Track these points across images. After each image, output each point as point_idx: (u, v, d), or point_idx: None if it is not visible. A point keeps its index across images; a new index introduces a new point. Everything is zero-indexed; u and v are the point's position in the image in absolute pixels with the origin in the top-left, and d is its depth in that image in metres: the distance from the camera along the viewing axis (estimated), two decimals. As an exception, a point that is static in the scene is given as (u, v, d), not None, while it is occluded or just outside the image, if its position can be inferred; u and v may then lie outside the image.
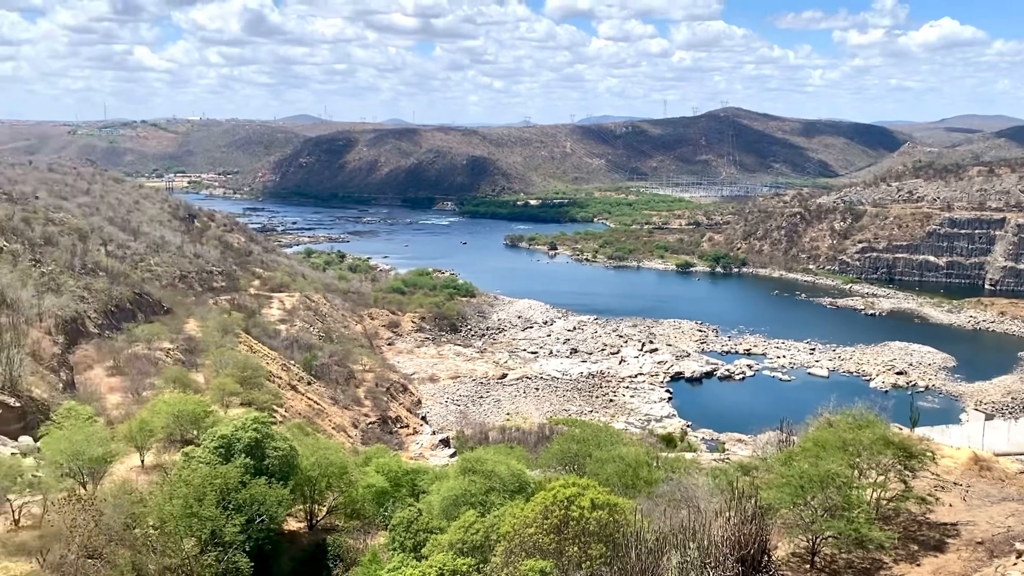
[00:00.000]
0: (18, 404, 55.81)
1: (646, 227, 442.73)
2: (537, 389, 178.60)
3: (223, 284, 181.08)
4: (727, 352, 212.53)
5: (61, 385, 73.29)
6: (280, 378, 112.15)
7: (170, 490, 35.56)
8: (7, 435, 52.28)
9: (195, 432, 50.04)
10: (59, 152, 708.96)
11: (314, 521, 43.61)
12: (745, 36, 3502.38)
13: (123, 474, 45.82)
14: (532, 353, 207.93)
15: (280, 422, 70.64)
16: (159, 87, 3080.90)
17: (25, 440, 52.17)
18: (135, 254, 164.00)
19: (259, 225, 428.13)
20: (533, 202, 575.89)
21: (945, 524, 29.22)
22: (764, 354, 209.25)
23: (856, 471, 30.06)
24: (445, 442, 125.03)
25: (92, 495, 38.51)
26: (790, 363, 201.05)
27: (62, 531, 33.45)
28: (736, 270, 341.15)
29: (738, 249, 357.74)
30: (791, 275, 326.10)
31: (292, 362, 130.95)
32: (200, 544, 33.44)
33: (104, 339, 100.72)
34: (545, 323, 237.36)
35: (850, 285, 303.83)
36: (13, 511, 38.67)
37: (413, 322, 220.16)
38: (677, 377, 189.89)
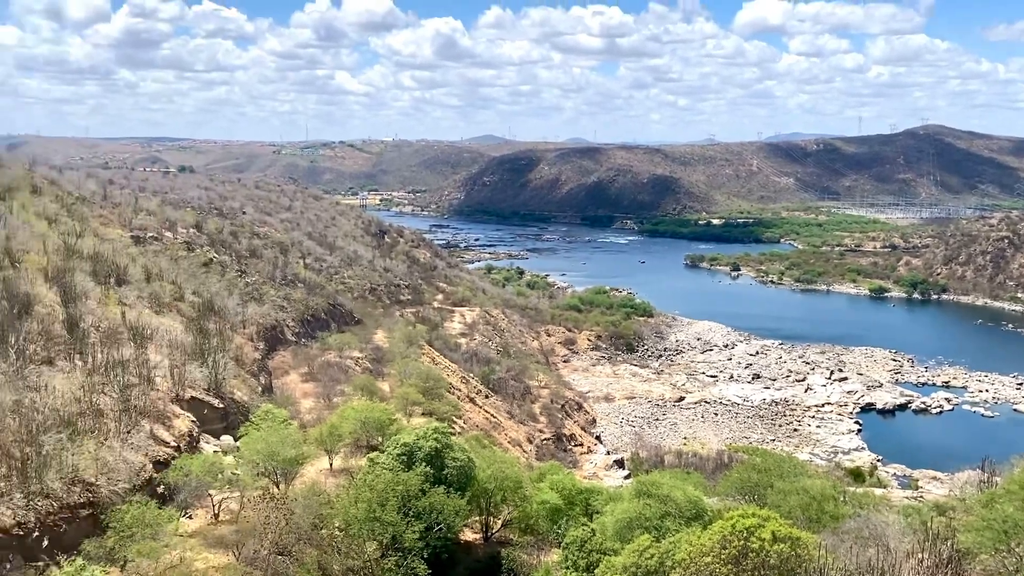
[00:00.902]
0: (222, 405, 59.78)
1: (837, 249, 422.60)
2: (716, 414, 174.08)
3: (409, 297, 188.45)
4: (923, 384, 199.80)
5: (260, 388, 77.71)
6: (459, 390, 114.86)
7: (355, 494, 37.05)
8: (211, 434, 56.07)
9: (380, 439, 51.87)
10: (265, 170, 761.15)
11: (489, 533, 44.24)
12: (949, 50, 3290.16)
13: (313, 476, 48.21)
14: (711, 377, 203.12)
15: (459, 433, 72.19)
16: (357, 109, 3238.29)
17: (226, 439, 55.89)
18: (330, 267, 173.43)
19: (444, 241, 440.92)
20: (716, 221, 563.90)
21: None
22: (965, 387, 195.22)
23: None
24: (619, 463, 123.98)
25: (284, 494, 40.72)
26: (994, 398, 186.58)
27: (256, 527, 35.47)
28: (935, 297, 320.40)
29: (938, 274, 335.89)
30: (997, 303, 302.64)
31: (471, 375, 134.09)
32: (381, 548, 34.62)
33: (300, 346, 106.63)
34: (726, 346, 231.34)
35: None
36: (213, 506, 41.49)
37: (589, 340, 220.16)
38: (868, 408, 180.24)
